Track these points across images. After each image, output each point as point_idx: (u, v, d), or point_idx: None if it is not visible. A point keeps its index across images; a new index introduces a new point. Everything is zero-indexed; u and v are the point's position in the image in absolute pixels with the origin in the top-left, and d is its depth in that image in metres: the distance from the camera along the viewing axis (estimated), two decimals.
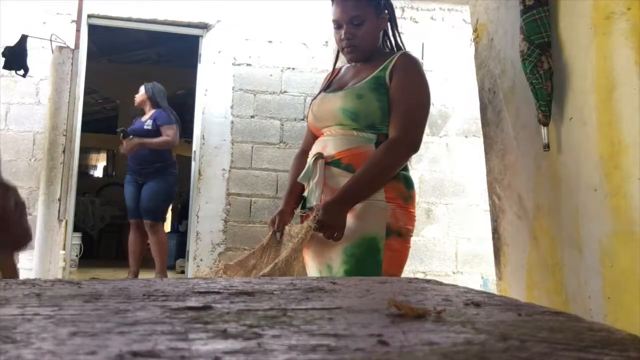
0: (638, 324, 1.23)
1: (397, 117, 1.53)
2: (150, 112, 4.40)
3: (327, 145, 1.59)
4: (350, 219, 1.49)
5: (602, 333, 0.47)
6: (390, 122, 1.54)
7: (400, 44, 1.69)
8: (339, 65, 1.80)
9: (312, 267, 1.60)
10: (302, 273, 1.52)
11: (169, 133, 4.30)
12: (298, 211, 1.71)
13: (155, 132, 4.29)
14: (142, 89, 4.47)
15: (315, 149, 1.64)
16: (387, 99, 1.55)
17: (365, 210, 1.50)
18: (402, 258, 1.56)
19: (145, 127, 4.33)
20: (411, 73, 1.58)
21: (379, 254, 1.49)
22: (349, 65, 1.73)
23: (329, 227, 1.45)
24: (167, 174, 4.34)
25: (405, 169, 1.59)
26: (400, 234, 1.52)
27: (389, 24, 1.68)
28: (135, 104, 4.51)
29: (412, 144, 1.54)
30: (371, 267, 1.48)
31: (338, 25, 1.62)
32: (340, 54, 1.72)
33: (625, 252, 1.32)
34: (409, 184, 1.58)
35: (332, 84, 1.74)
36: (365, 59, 1.67)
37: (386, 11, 1.65)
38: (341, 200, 1.47)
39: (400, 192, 1.54)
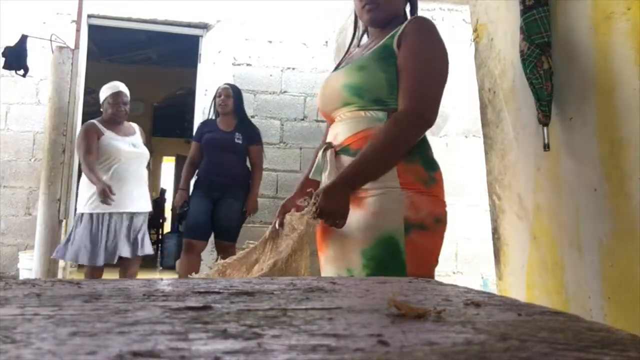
0: (638, 324, 1.23)
1: (405, 87, 1.33)
2: (233, 122, 3.73)
3: (338, 132, 1.43)
4: (362, 214, 1.30)
5: (602, 333, 0.47)
6: (399, 93, 1.34)
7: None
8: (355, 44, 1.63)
9: (329, 272, 1.40)
10: (307, 271, 1.43)
11: (261, 156, 3.78)
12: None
13: (244, 148, 3.71)
14: (228, 88, 3.75)
15: (327, 138, 1.49)
16: (395, 69, 1.35)
17: (378, 204, 1.30)
18: (428, 254, 1.33)
19: (236, 140, 3.67)
20: (421, 36, 1.36)
21: (401, 255, 1.27)
22: (363, 43, 1.59)
23: (329, 214, 1.28)
24: (246, 189, 3.73)
25: (424, 148, 1.38)
26: (422, 226, 1.29)
27: None
28: (228, 111, 3.73)
29: (422, 114, 1.32)
30: (394, 270, 1.26)
31: None
32: (357, 32, 1.58)
33: (625, 252, 1.32)
34: (429, 164, 1.36)
35: (341, 63, 1.57)
36: (384, 23, 1.47)
37: None
38: (343, 183, 1.29)
39: (419, 174, 1.32)
